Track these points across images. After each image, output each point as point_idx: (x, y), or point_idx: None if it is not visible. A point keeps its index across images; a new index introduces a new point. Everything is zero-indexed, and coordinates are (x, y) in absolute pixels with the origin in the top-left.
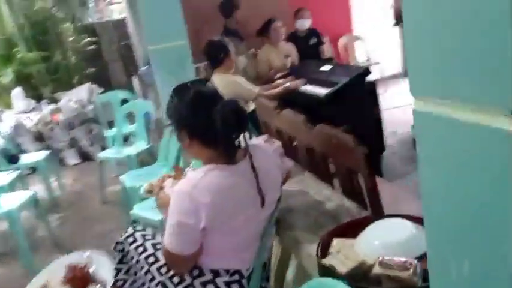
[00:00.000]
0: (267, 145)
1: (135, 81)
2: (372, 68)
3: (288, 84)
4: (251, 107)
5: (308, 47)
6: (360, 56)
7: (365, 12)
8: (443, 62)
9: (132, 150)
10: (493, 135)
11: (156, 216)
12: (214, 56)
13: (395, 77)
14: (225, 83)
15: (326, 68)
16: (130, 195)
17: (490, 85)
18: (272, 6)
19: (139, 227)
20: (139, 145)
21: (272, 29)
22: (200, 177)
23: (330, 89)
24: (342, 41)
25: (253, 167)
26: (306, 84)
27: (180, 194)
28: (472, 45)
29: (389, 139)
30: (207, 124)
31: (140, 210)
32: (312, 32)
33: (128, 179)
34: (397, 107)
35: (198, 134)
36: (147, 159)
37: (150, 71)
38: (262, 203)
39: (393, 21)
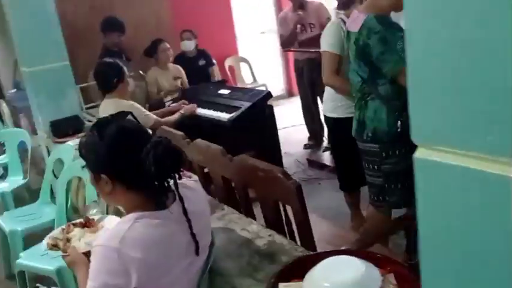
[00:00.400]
0: (196, 184)
1: (3, 106)
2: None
3: (183, 110)
4: None
5: (197, 68)
6: (246, 77)
7: (249, 34)
8: (452, 108)
9: (5, 186)
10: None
11: (50, 264)
12: (107, 79)
13: (279, 98)
14: (118, 108)
15: (224, 91)
16: (11, 242)
17: (501, 134)
18: (156, 26)
19: None
20: (14, 180)
21: (160, 50)
22: (127, 228)
23: (233, 114)
24: (227, 63)
25: (185, 211)
26: (204, 108)
27: (105, 250)
28: (481, 91)
29: (284, 160)
30: (134, 166)
31: (28, 259)
32: (201, 53)
33: (6, 222)
34: (285, 127)
35: (123, 178)
36: (24, 196)
37: (20, 95)
38: (197, 251)
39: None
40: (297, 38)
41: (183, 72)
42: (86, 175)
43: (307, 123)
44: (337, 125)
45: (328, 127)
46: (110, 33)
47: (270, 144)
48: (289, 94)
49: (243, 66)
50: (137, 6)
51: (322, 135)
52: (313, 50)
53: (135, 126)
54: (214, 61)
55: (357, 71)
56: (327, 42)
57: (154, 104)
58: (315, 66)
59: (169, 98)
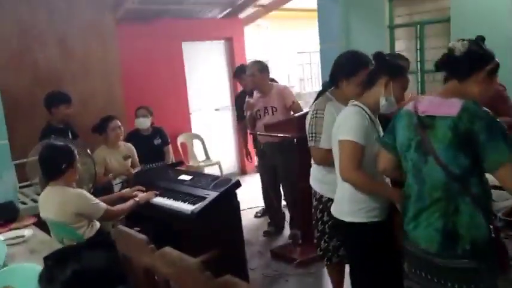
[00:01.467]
0: None
1: None
2: (212, 168)
3: (139, 198)
4: (94, 228)
5: (152, 147)
6: (198, 155)
7: (202, 111)
8: None
9: None
10: None
11: None
12: (55, 165)
13: (232, 176)
14: (65, 198)
15: (185, 177)
16: None
17: None
18: (107, 101)
19: None
20: None
21: (110, 128)
22: None
23: (198, 205)
24: (180, 139)
25: None
26: (163, 197)
27: None
28: None
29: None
30: None
31: None
32: (157, 132)
33: None
34: (242, 209)
35: None
36: None
37: None
38: None
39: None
40: (255, 122)
41: (134, 151)
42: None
43: (267, 207)
44: (358, 232)
45: (339, 233)
46: (56, 106)
47: (235, 238)
48: (242, 172)
49: (196, 143)
50: (86, 79)
51: (283, 222)
52: (280, 135)
53: (99, 266)
54: (169, 140)
55: (448, 165)
56: (349, 130)
57: (101, 188)
58: (276, 150)
59: (118, 180)
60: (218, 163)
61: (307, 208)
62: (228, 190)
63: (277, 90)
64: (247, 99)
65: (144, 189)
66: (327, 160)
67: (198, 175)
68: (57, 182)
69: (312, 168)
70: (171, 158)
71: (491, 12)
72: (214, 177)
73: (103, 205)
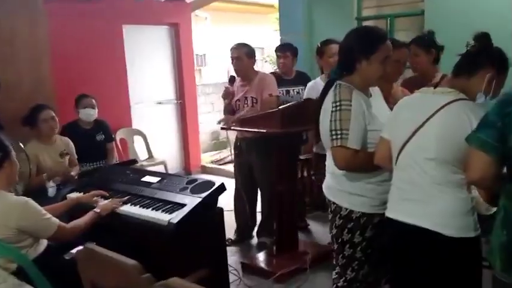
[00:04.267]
0: None
1: None
2: (156, 168)
3: (100, 209)
4: (40, 246)
5: (94, 144)
6: (140, 152)
7: (144, 104)
8: None
9: None
10: None
11: None
12: None
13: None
14: (4, 208)
15: (151, 179)
16: None
17: None
18: (34, 88)
19: None
20: None
21: (40, 119)
22: None
23: (176, 214)
24: (119, 135)
25: None
26: (131, 204)
27: None
28: None
29: None
30: None
31: None
32: (99, 126)
33: None
34: None
35: None
36: None
37: None
38: None
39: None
40: (234, 114)
41: (72, 147)
42: None
43: (237, 212)
44: (468, 248)
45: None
46: None
47: (219, 254)
48: (186, 171)
49: (137, 140)
50: (12, 63)
51: (251, 230)
52: (261, 131)
53: None
54: (113, 136)
55: None
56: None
57: (34, 191)
58: (253, 148)
59: (52, 184)
60: (163, 162)
61: (285, 215)
62: (211, 195)
63: (259, 79)
64: (226, 85)
65: (107, 194)
66: (355, 164)
67: (167, 176)
68: None
69: (329, 177)
70: (115, 157)
71: (466, 8)
72: (190, 180)
73: (55, 221)
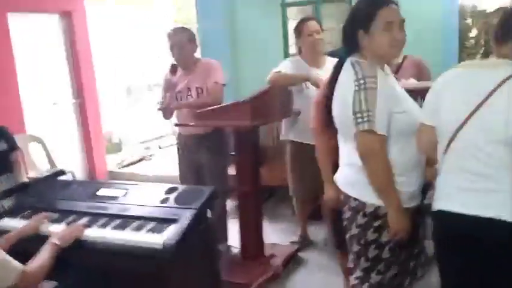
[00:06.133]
0: None
1: None
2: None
3: (59, 240)
4: None
5: None
6: (39, 162)
7: (38, 106)
8: None
9: None
10: None
11: None
12: None
13: None
14: None
15: (114, 191)
16: None
17: None
18: None
19: None
20: None
21: None
22: None
23: (167, 233)
24: None
25: None
26: (97, 226)
27: None
28: None
29: None
30: None
31: None
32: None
33: None
34: None
35: None
36: None
37: None
38: None
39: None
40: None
41: None
42: None
43: None
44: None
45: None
46: None
47: (216, 275)
48: (92, 178)
49: (33, 148)
50: None
51: None
52: (230, 124)
53: None
54: (17, 143)
55: None
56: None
57: None
58: (202, 145)
59: None
60: (71, 172)
61: (251, 218)
62: (205, 205)
63: (203, 66)
64: (166, 77)
65: (48, 216)
66: (383, 153)
67: (132, 187)
68: None
69: (347, 169)
70: (25, 168)
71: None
72: (169, 189)
73: (16, 265)
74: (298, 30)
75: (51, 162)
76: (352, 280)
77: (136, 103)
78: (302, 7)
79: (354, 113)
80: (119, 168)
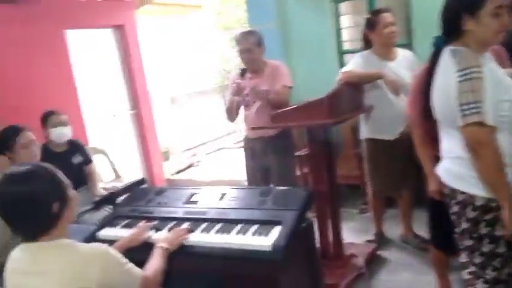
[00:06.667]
0: None
1: None
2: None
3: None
4: None
5: (71, 168)
6: (103, 174)
7: (101, 118)
8: None
9: None
10: None
11: None
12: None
13: None
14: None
15: (209, 196)
16: None
17: None
18: None
19: None
20: None
21: (19, 145)
22: None
23: (273, 235)
24: None
25: None
26: (200, 231)
27: None
28: None
29: None
30: None
31: None
32: (75, 146)
33: None
34: None
35: None
36: None
37: None
38: None
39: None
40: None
41: None
42: None
43: None
44: None
45: None
46: None
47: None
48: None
49: (98, 159)
50: None
51: None
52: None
53: None
54: (91, 156)
55: None
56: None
57: None
58: (270, 148)
59: None
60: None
61: (331, 217)
62: (305, 206)
63: (271, 69)
64: (236, 80)
65: (151, 224)
66: (493, 143)
67: (225, 191)
68: (50, 236)
69: (452, 162)
70: (99, 180)
71: None
72: (263, 191)
73: (138, 272)
74: (372, 22)
75: (116, 173)
76: (466, 275)
77: (180, 111)
78: (355, 1)
79: (460, 105)
80: (172, 175)
